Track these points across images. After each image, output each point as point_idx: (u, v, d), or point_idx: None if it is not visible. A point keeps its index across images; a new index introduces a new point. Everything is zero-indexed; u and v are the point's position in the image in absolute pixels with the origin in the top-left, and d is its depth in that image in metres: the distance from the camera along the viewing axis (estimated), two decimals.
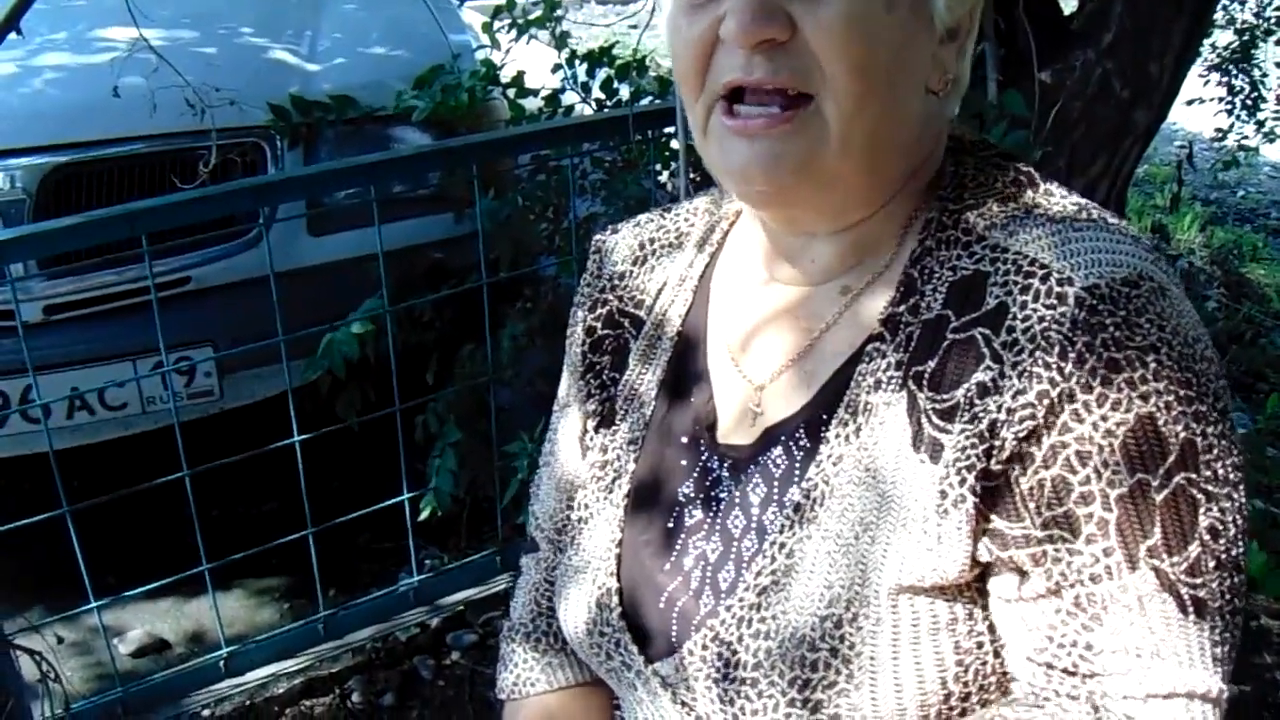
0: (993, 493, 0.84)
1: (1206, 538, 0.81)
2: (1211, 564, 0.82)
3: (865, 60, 0.85)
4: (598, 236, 1.22)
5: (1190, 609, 0.82)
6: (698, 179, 2.50)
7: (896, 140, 0.91)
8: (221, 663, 2.66)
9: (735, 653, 0.93)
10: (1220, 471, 0.82)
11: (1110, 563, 0.82)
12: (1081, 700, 0.84)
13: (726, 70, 0.88)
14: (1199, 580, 0.82)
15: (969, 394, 0.84)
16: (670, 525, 1.03)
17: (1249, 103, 5.28)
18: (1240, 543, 0.84)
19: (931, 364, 0.88)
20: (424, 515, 2.75)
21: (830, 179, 0.90)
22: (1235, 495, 0.83)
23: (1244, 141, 5.29)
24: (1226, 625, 0.83)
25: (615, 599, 1.04)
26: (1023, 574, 0.86)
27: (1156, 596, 0.82)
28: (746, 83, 0.87)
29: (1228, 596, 0.83)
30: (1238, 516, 0.83)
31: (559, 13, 3.06)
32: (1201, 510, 0.81)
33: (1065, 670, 0.86)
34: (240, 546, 2.59)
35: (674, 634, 1.00)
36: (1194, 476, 0.81)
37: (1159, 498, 0.80)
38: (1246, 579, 0.86)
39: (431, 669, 2.79)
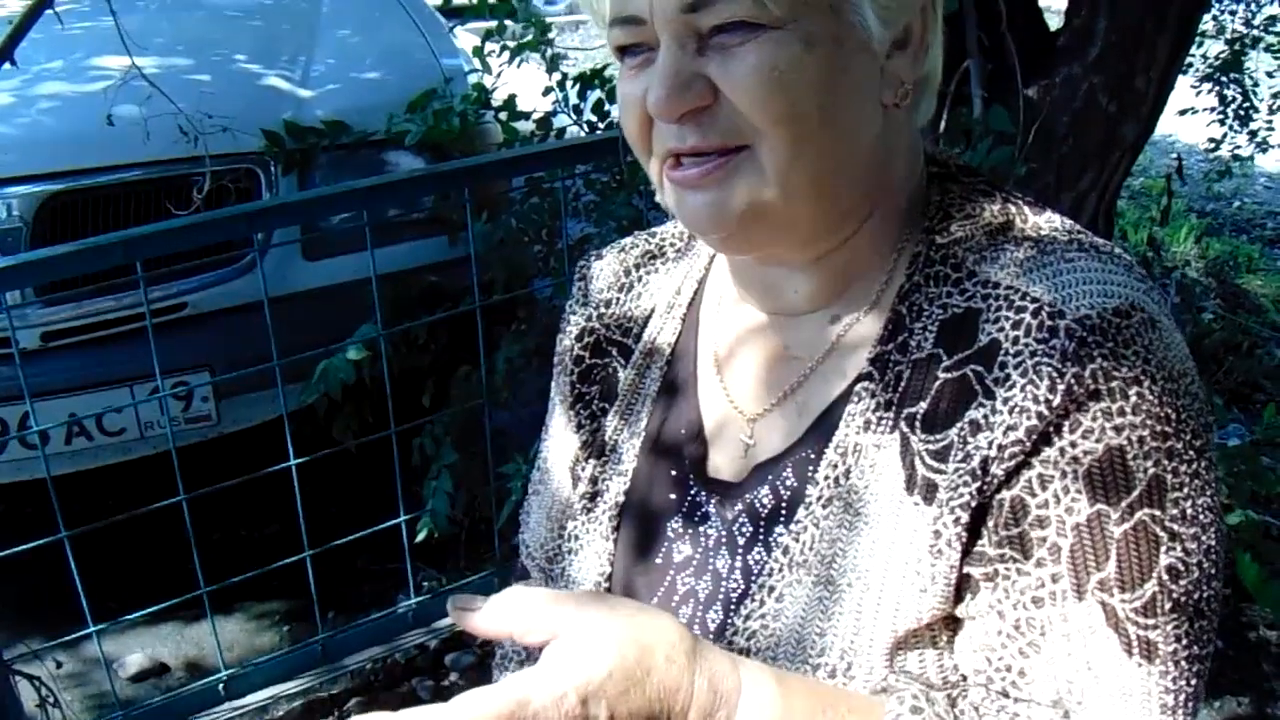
0: (978, 521, 0.83)
1: (1165, 578, 0.79)
2: (1168, 606, 0.79)
3: (790, 109, 0.83)
4: (582, 262, 1.20)
5: (1136, 650, 0.79)
6: None
7: (850, 169, 0.89)
8: (221, 686, 2.66)
9: None
10: (1189, 511, 0.79)
11: (1056, 588, 0.80)
12: None
13: (664, 138, 0.88)
14: (1151, 621, 0.79)
15: (962, 433, 0.82)
16: (659, 560, 1.02)
17: (1241, 112, 5.29)
18: (1207, 586, 0.81)
19: (924, 405, 0.86)
20: (420, 537, 2.76)
21: (781, 220, 0.88)
22: (1203, 537, 0.80)
23: (1237, 151, 5.29)
24: (1183, 672, 0.80)
25: None
26: (975, 591, 0.84)
27: (1100, 632, 0.80)
28: (681, 151, 0.86)
29: (1185, 642, 0.80)
30: (1204, 559, 0.80)
31: (550, 35, 3.08)
32: (1163, 549, 0.79)
33: (1001, 693, 0.84)
34: (241, 570, 2.60)
35: None
36: (1158, 514, 0.78)
37: (1117, 531, 0.78)
38: (1215, 623, 0.82)
39: (430, 690, 2.79)
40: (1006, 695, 0.83)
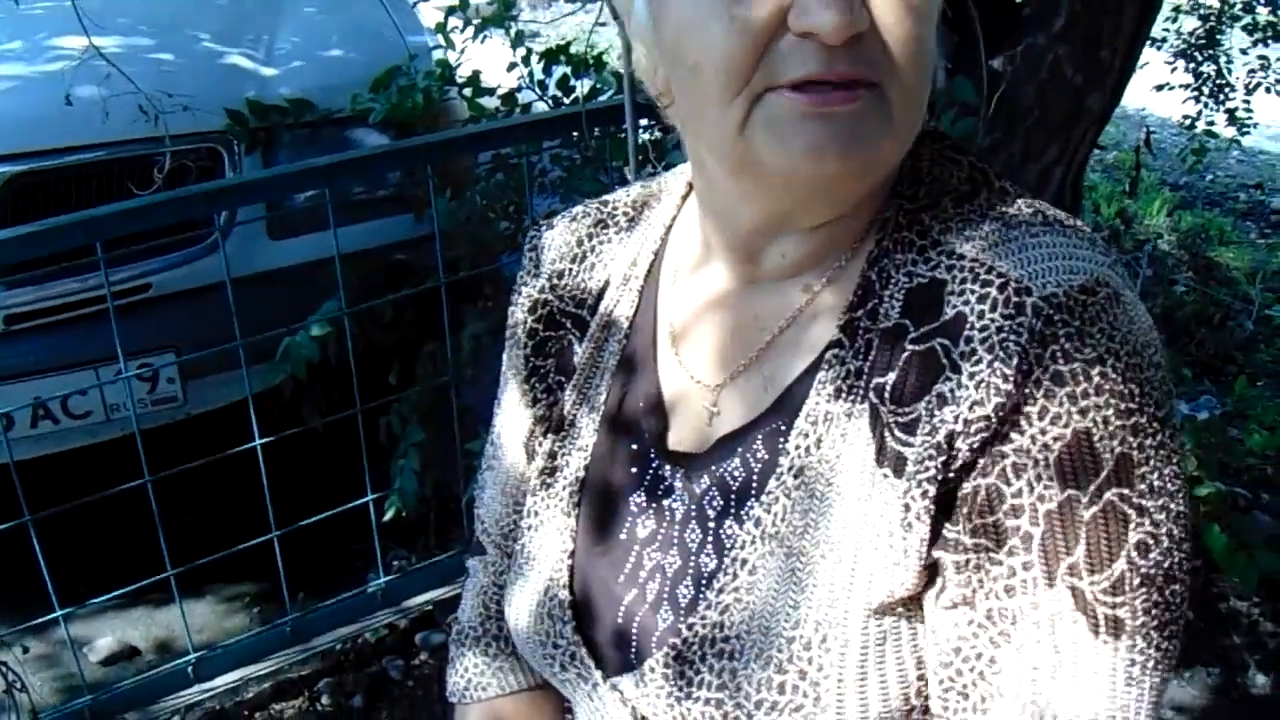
0: (948, 501, 0.82)
1: (1134, 554, 0.79)
2: (1136, 581, 0.79)
3: (924, 52, 0.81)
4: (532, 233, 1.17)
5: (1104, 628, 0.79)
6: (654, 172, 2.50)
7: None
8: (190, 668, 2.66)
9: (699, 672, 0.90)
10: (1155, 483, 0.79)
11: (1028, 577, 0.80)
12: None
13: (796, 64, 0.79)
14: (1120, 599, 0.79)
15: (929, 405, 0.81)
16: (623, 536, 1.00)
17: (1215, 88, 5.29)
18: (1177, 551, 0.81)
19: (892, 376, 0.84)
20: (388, 516, 2.75)
21: (873, 179, 0.86)
22: (1171, 505, 0.81)
23: (1211, 128, 5.29)
24: (1151, 641, 0.81)
25: (569, 613, 1.01)
26: (944, 580, 0.83)
27: (1068, 616, 0.80)
28: (827, 77, 0.79)
29: (1155, 612, 0.80)
30: (1173, 526, 0.81)
31: (514, 11, 3.06)
32: (1131, 526, 0.79)
33: (960, 692, 0.83)
34: (212, 552, 2.59)
35: (634, 648, 0.97)
36: (1126, 492, 0.78)
37: (1087, 514, 0.78)
38: (1187, 585, 0.82)
39: (401, 669, 2.79)
40: (965, 694, 0.82)
